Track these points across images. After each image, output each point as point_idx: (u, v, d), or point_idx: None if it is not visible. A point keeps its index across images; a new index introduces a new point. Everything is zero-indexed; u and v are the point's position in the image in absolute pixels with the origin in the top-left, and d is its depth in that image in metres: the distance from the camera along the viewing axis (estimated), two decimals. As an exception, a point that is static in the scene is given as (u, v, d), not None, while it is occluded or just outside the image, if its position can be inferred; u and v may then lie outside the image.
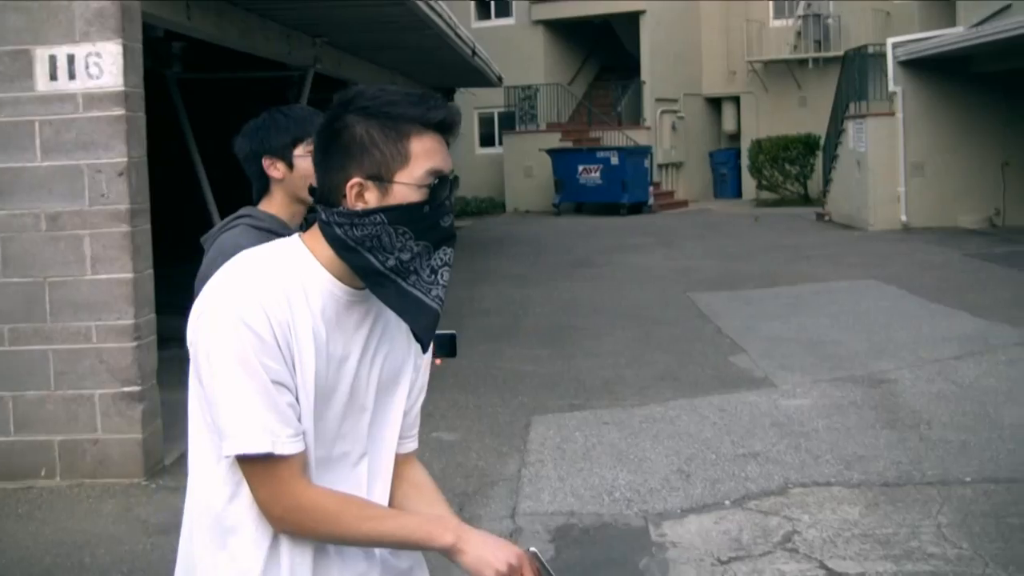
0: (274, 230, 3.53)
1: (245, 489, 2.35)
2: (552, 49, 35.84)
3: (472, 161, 34.76)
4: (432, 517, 2.50)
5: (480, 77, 24.15)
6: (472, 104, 33.04)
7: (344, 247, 2.34)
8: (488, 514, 7.05)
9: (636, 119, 34.61)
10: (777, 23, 36.10)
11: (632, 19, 34.60)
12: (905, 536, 6.34)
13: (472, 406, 9.75)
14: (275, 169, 3.63)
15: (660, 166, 33.76)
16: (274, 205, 3.66)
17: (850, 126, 25.55)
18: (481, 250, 22.97)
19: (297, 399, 2.32)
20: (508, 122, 35.34)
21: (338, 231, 2.33)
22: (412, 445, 2.68)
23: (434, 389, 9.70)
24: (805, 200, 32.08)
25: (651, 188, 32.21)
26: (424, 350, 2.51)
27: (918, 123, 23.95)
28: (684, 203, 33.82)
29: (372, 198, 2.32)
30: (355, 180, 2.32)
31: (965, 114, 23.80)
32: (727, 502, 7.07)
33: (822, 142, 29.90)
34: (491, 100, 33.42)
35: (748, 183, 34.66)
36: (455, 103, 2.50)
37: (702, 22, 36.64)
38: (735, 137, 36.62)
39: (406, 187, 2.32)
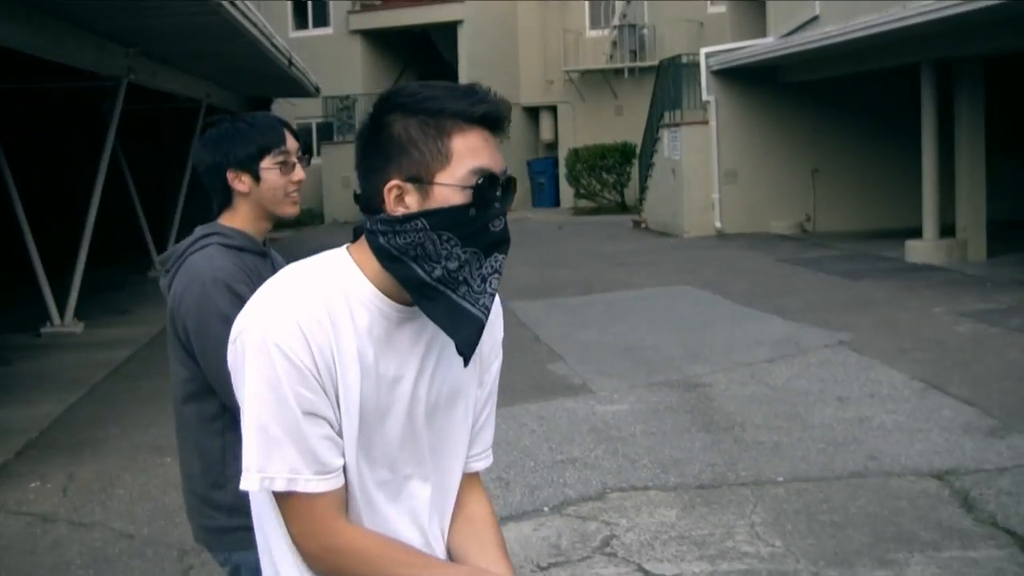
0: (246, 248, 3.39)
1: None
2: (370, 59, 35.75)
3: (290, 172, 34.39)
4: (475, 572, 2.37)
5: (297, 87, 23.97)
6: (290, 115, 32.71)
7: (389, 257, 2.16)
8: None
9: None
10: (593, 33, 36.56)
11: (450, 29, 34.71)
12: (720, 536, 6.45)
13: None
14: (240, 182, 3.39)
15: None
16: (239, 220, 3.43)
17: (665, 135, 25.99)
18: (301, 261, 22.72)
19: (340, 428, 2.17)
20: (326, 132, 35.14)
21: (381, 240, 2.16)
22: (484, 463, 2.53)
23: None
24: (622, 208, 32.53)
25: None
26: (465, 364, 2.26)
27: (731, 131, 24.49)
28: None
29: (412, 202, 2.14)
30: (393, 183, 2.14)
31: (776, 122, 24.42)
32: (546, 508, 7.10)
33: (638, 150, 30.37)
34: (309, 110, 33.18)
35: (566, 192, 35.00)
36: (500, 96, 2.28)
37: (519, 32, 36.91)
38: (552, 146, 36.96)
39: (448, 188, 2.13)
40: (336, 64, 33.53)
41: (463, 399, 2.40)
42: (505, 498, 7.30)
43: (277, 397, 2.10)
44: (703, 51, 25.04)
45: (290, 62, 19.37)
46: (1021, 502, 6.82)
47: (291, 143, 3.44)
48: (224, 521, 3.36)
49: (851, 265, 18.57)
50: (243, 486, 2.16)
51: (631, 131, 32.06)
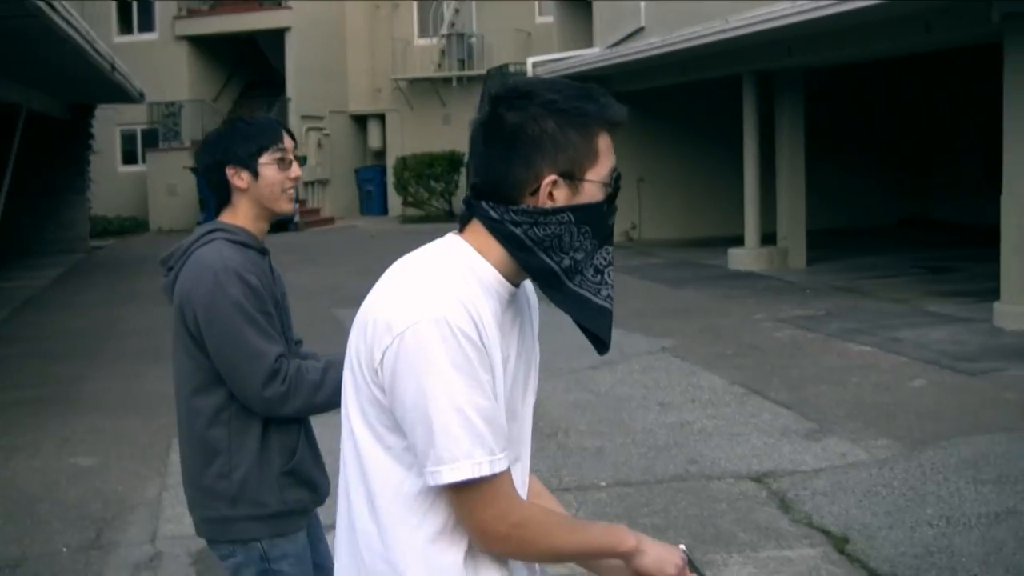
0: (249, 244, 3.49)
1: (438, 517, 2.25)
2: (196, 65, 35.21)
3: (114, 179, 33.81)
4: (607, 523, 2.45)
5: (121, 93, 23.52)
6: (114, 121, 32.13)
7: (519, 246, 2.24)
8: (127, 539, 6.85)
9: (282, 136, 34.35)
10: (422, 41, 36.56)
11: (277, 36, 34.41)
12: (544, 541, 6.49)
13: (111, 430, 9.46)
14: (239, 179, 3.51)
15: (306, 183, 33.60)
16: (239, 217, 3.55)
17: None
18: (124, 271, 22.34)
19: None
20: (151, 139, 34.49)
21: (515, 230, 2.23)
22: None
23: (69, 413, 9.36)
24: (450, 216, 32.56)
25: (297, 206, 32.01)
26: (603, 352, 2.40)
27: (558, 141, 24.64)
28: (331, 220, 33.81)
29: (561, 196, 2.23)
30: (552, 177, 2.22)
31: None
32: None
33: (466, 159, 30.41)
34: (134, 117, 32.60)
35: (394, 200, 34.93)
36: None
37: (348, 40, 36.72)
38: (381, 154, 36.85)
39: (594, 185, 2.26)
40: (162, 70, 32.93)
41: (532, 380, 2.48)
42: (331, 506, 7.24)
43: (469, 381, 2.14)
44: (530, 60, 25.23)
45: (113, 67, 18.98)
46: (835, 502, 7.02)
47: (287, 141, 3.58)
48: (227, 511, 3.43)
49: (675, 273, 18.90)
50: (450, 478, 2.14)
51: (459, 140, 32.13)
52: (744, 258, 19.06)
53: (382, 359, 2.18)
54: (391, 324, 2.17)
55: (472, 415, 2.14)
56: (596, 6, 24.90)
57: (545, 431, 8.91)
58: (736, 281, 17.54)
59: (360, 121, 37.32)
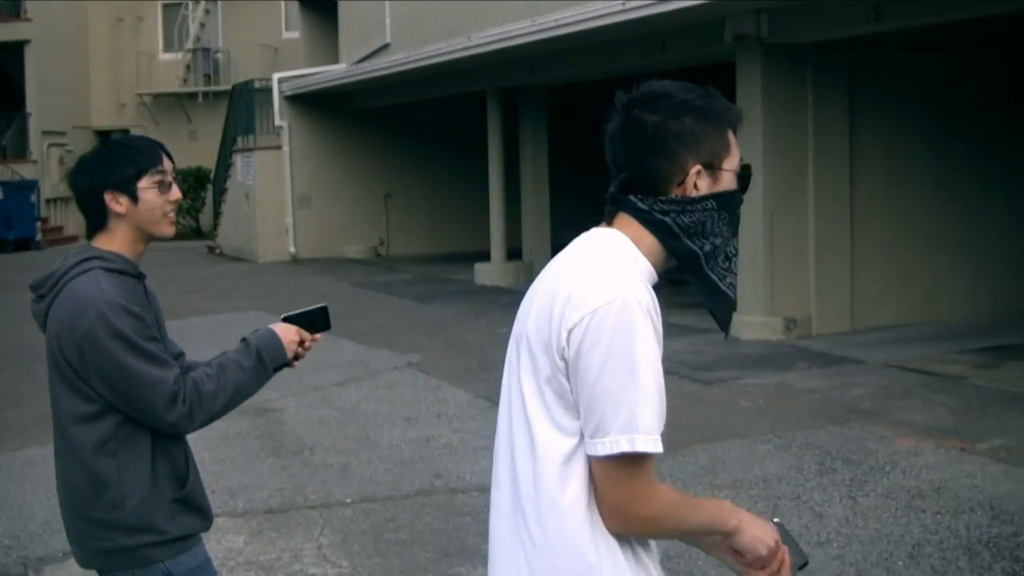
0: (126, 271, 3.36)
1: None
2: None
3: None
4: (716, 501, 2.55)
5: None
6: None
7: (669, 234, 2.44)
8: None
9: (22, 152, 33.27)
10: (167, 56, 35.91)
11: (16, 49, 33.24)
12: (288, 560, 6.42)
13: None
14: (118, 204, 3.36)
15: (48, 201, 32.61)
16: (116, 243, 3.39)
17: (238, 159, 25.78)
18: None
19: None
20: None
21: (665, 218, 2.43)
22: None
23: None
24: (197, 234, 32.05)
25: (39, 223, 31.07)
26: (727, 336, 2.65)
27: (305, 157, 24.54)
28: (75, 238, 32.76)
29: (703, 186, 2.44)
30: (697, 167, 2.43)
31: (350, 148, 24.66)
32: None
33: (212, 175, 29.98)
34: None
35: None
36: None
37: (91, 53, 35.79)
38: (125, 170, 35.93)
39: (730, 174, 2.48)
40: None
41: None
42: (64, 533, 7.00)
43: (655, 360, 2.31)
44: (276, 76, 24.99)
45: None
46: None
47: (167, 163, 3.45)
48: (125, 540, 3.34)
49: (422, 288, 18.96)
50: (628, 447, 2.26)
51: (205, 156, 31.64)
52: (490, 273, 19.25)
53: (569, 335, 2.32)
54: (583, 302, 2.31)
55: (655, 393, 2.30)
56: (342, 22, 24.82)
57: (291, 448, 8.82)
58: (483, 296, 17.70)
59: (104, 137, 36.29)
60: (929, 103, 13.78)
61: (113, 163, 3.39)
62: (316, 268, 22.67)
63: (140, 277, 3.43)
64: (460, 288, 18.83)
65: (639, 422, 2.27)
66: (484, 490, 7.59)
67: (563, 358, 2.34)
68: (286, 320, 3.57)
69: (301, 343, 3.58)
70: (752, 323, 12.93)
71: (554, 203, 19.71)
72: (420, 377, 11.41)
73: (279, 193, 24.40)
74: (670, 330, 12.08)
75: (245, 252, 25.07)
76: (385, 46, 21.60)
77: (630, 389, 2.27)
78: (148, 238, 3.45)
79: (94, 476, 3.33)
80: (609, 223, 2.51)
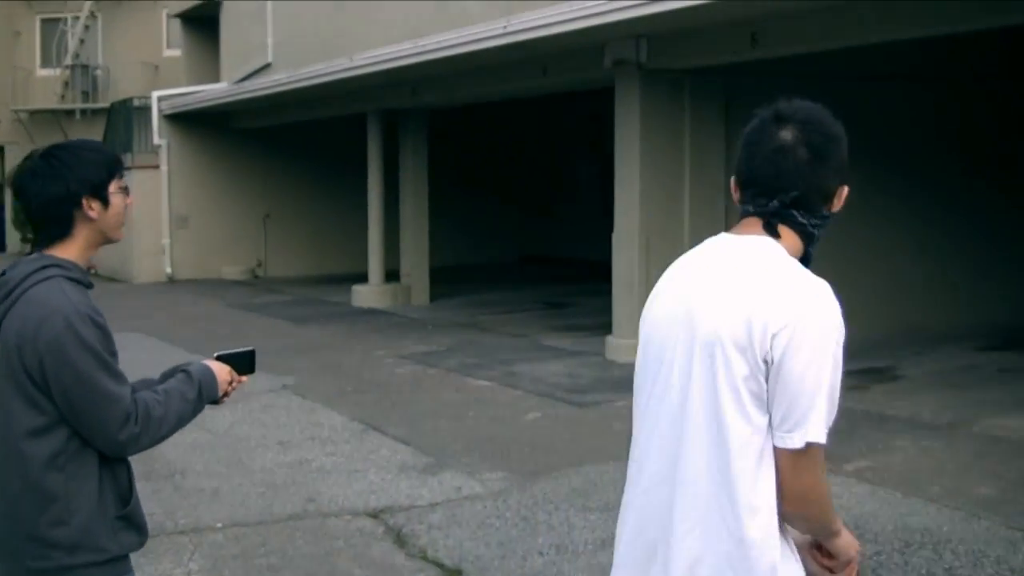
0: (81, 280, 3.30)
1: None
2: None
3: None
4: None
5: None
6: None
7: (812, 244, 2.77)
8: None
9: None
10: (45, 72, 35.29)
11: None
12: (154, 586, 6.33)
13: None
14: (91, 209, 3.31)
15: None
16: (73, 250, 3.33)
17: (116, 178, 25.37)
18: None
19: None
20: None
21: (815, 232, 2.75)
22: None
23: None
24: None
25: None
26: None
27: (183, 176, 24.27)
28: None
29: (838, 204, 2.78)
30: (846, 189, 2.78)
31: (230, 168, 24.46)
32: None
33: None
34: None
35: (13, 235, 33.46)
36: None
37: (-35, 68, 35.07)
38: (-1, 188, 35.30)
39: (845, 194, 2.78)
40: None
41: None
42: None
43: (837, 359, 2.58)
44: (155, 94, 24.72)
45: None
46: (450, 535, 7.11)
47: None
48: (65, 559, 3.26)
49: (299, 310, 18.83)
50: (815, 438, 2.54)
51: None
52: (368, 295, 19.18)
53: (774, 338, 2.53)
54: (800, 305, 2.57)
55: (839, 388, 2.61)
56: (224, 41, 24.64)
57: (161, 473, 8.68)
58: (360, 318, 17.63)
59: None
60: (803, 131, 13.98)
61: (87, 168, 3.34)
62: (193, 289, 22.41)
63: (90, 287, 3.37)
64: (337, 310, 18.74)
65: (823, 416, 2.56)
66: (357, 514, 7.58)
67: (765, 360, 2.55)
68: (219, 358, 3.59)
69: (230, 382, 3.60)
70: (627, 346, 12.99)
71: (433, 226, 19.71)
72: (295, 400, 11.32)
73: (156, 213, 24.08)
74: (546, 353, 12.16)
75: (120, 273, 24.68)
76: (266, 66, 21.48)
77: (824, 386, 2.56)
78: (103, 243, 3.43)
79: (41, 491, 3.24)
80: (771, 232, 2.73)
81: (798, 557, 2.71)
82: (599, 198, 20.41)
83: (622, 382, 11.83)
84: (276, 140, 23.77)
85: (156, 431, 3.30)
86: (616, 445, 9.24)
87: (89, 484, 3.27)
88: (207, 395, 3.48)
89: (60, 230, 3.34)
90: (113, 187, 3.37)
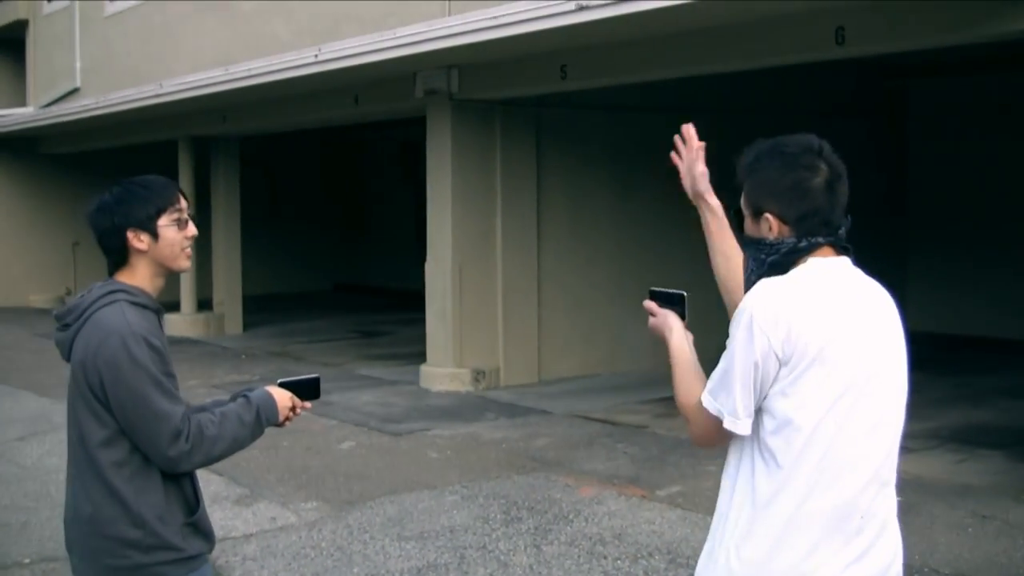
0: (148, 305, 3.59)
1: None
2: None
3: None
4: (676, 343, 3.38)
5: None
6: None
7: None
8: None
9: None
10: None
11: None
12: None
13: None
14: (139, 241, 3.59)
15: None
16: (137, 278, 3.63)
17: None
18: None
19: None
20: None
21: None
22: None
23: None
24: None
25: None
26: None
27: (-12, 203, 23.63)
28: None
29: None
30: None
31: (37, 194, 23.87)
32: None
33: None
34: None
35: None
36: None
37: None
38: None
39: None
40: None
41: None
42: None
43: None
44: (-43, 116, 23.99)
45: None
46: (264, 567, 7.08)
47: (183, 201, 3.69)
48: (142, 558, 3.52)
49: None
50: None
51: None
52: (180, 324, 18.88)
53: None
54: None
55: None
56: (30, 64, 24.05)
57: (-39, 509, 8.45)
58: (172, 347, 17.25)
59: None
60: (613, 159, 14.32)
61: (134, 203, 3.61)
62: (-3, 318, 21.80)
63: (159, 312, 3.69)
64: (149, 339, 18.38)
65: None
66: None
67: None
68: (282, 385, 3.82)
69: (292, 408, 3.82)
70: (441, 375, 13.11)
71: (246, 254, 19.55)
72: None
73: (-43, 240, 23.38)
74: (360, 382, 12.18)
75: (-80, 301, 23.88)
76: (75, 90, 21.06)
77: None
78: (167, 272, 3.69)
79: (116, 496, 3.51)
80: (847, 254, 3.01)
81: None
82: (412, 226, 20.52)
83: (436, 411, 11.92)
84: (86, 166, 23.23)
85: (210, 449, 3.55)
86: (431, 474, 9.33)
87: (155, 493, 3.54)
88: (266, 419, 3.71)
89: (119, 259, 3.65)
90: (164, 220, 3.61)
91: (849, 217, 2.99)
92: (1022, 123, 14.49)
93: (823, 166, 2.95)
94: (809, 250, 2.95)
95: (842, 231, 2.97)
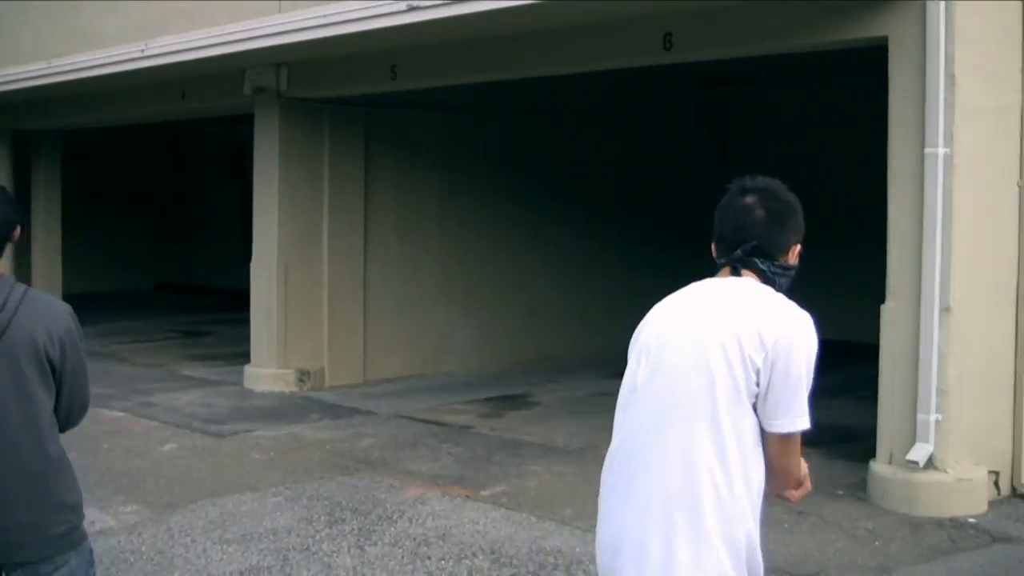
0: None
1: None
2: None
3: None
4: None
5: None
6: None
7: (771, 285, 3.44)
8: None
9: None
10: None
11: None
12: None
13: None
14: (17, 233, 4.04)
15: None
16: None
17: None
18: None
19: None
20: None
21: (774, 277, 3.46)
22: None
23: None
24: None
25: None
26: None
27: None
28: None
29: (793, 257, 3.51)
30: (799, 245, 3.52)
31: None
32: None
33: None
34: None
35: None
36: None
37: None
38: None
39: (799, 251, 3.54)
40: None
41: None
42: None
43: (812, 364, 3.33)
44: None
45: None
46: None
47: None
48: (75, 519, 3.91)
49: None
50: (802, 427, 3.32)
51: None
52: None
53: (773, 346, 3.25)
54: (786, 322, 3.31)
55: (810, 383, 3.32)
56: None
57: None
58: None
59: None
60: (440, 161, 14.32)
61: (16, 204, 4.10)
62: None
63: None
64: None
65: (805, 408, 3.30)
66: None
67: (760, 364, 3.25)
68: None
69: None
70: (265, 375, 12.98)
71: (67, 251, 19.10)
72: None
73: None
74: (183, 383, 11.97)
75: None
76: None
77: (804, 383, 3.29)
78: None
79: (59, 463, 3.88)
80: (736, 273, 3.46)
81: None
82: (238, 225, 20.25)
83: (260, 412, 11.79)
84: None
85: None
86: (254, 476, 9.22)
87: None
88: None
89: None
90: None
91: (751, 241, 3.47)
92: (839, 132, 14.88)
93: (729, 195, 3.56)
94: (720, 268, 3.55)
95: (738, 252, 3.46)
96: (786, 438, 3.31)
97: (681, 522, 3.25)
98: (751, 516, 3.32)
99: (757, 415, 3.29)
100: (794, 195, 3.52)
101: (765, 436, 3.32)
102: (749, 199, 3.46)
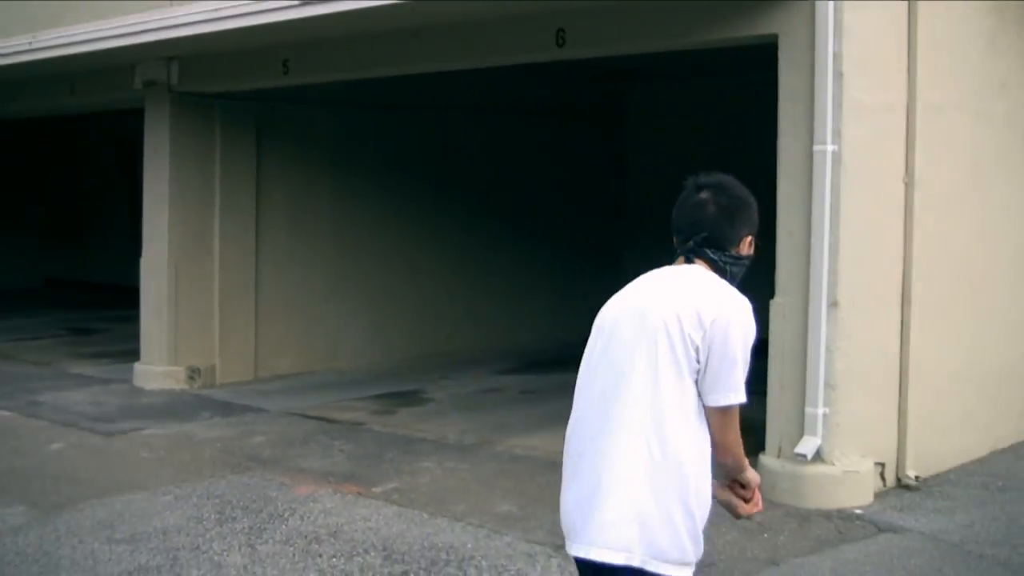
0: None
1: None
2: None
3: None
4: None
5: None
6: None
7: (724, 275, 3.69)
8: None
9: None
10: None
11: None
12: None
13: None
14: None
15: None
16: None
17: None
18: None
19: None
20: None
21: (725, 266, 3.71)
22: None
23: None
24: None
25: None
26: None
27: None
28: None
29: (746, 248, 3.75)
30: (751, 237, 3.76)
31: None
32: None
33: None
34: None
35: None
36: None
37: None
38: None
39: (753, 243, 3.78)
40: None
41: None
42: None
43: (749, 344, 3.55)
44: None
45: None
46: (-36, 574, 6.80)
47: None
48: None
49: None
50: (736, 400, 3.54)
51: None
52: None
53: (711, 324, 3.49)
54: (722, 304, 3.54)
55: (746, 363, 3.55)
56: None
57: None
58: None
59: None
60: (333, 157, 14.26)
61: None
62: None
63: None
64: None
65: (741, 383, 3.52)
66: None
67: (699, 343, 3.49)
68: None
69: None
70: (155, 373, 12.83)
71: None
72: None
73: None
74: (71, 381, 11.83)
75: None
76: None
77: (740, 361, 3.51)
78: None
79: None
80: (689, 261, 3.72)
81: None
82: (128, 222, 19.97)
83: (150, 409, 11.66)
84: None
85: None
86: (144, 475, 9.11)
87: None
88: None
89: None
90: None
91: (703, 233, 3.72)
92: (734, 129, 15.03)
93: (685, 191, 3.83)
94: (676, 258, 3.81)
95: (690, 243, 3.73)
96: (724, 411, 3.54)
97: (614, 490, 3.51)
98: (692, 487, 3.51)
99: (699, 390, 3.54)
100: (747, 190, 3.77)
101: (707, 410, 3.56)
102: (703, 195, 3.74)
